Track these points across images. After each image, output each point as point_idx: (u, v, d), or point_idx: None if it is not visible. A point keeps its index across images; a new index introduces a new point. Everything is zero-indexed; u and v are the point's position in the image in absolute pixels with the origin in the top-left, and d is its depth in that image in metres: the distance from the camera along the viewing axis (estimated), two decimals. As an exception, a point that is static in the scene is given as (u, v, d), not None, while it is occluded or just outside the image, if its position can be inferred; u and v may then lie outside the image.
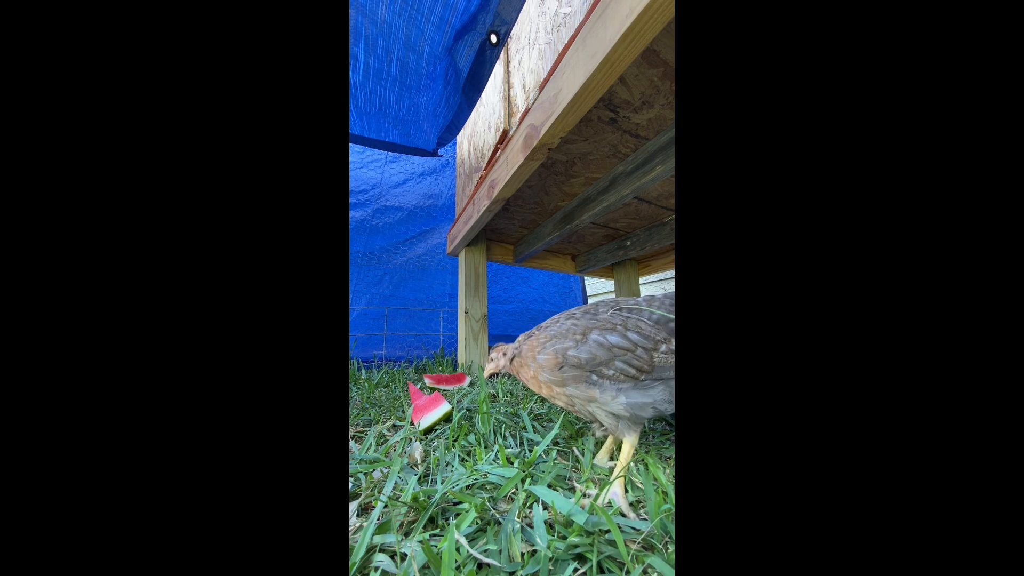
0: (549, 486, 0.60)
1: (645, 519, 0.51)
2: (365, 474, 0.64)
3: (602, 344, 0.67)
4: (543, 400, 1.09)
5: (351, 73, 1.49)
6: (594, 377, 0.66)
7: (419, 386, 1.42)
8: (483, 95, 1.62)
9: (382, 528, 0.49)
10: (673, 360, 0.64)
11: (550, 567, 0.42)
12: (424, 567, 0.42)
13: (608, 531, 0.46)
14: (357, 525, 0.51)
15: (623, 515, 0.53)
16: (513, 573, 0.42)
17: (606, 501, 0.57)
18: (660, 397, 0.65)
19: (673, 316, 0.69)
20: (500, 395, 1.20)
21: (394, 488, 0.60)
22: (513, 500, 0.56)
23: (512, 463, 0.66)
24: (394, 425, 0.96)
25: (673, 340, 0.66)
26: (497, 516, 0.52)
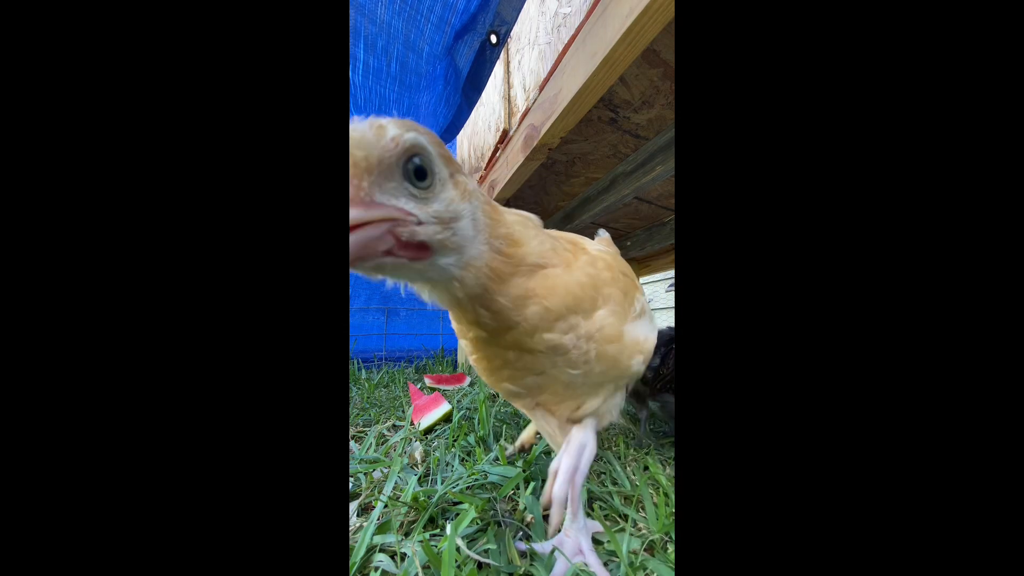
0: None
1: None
2: (365, 474, 0.64)
3: None
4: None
5: (351, 73, 1.49)
6: None
7: (419, 386, 1.42)
8: (483, 95, 1.62)
9: (382, 528, 0.49)
10: None
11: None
12: (425, 567, 0.42)
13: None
14: (357, 525, 0.51)
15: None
16: (513, 573, 0.42)
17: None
18: None
19: None
20: (500, 395, 1.19)
21: (394, 488, 0.60)
22: (513, 500, 0.56)
23: (512, 463, 0.66)
24: (394, 425, 0.96)
25: None
26: (497, 517, 0.52)
